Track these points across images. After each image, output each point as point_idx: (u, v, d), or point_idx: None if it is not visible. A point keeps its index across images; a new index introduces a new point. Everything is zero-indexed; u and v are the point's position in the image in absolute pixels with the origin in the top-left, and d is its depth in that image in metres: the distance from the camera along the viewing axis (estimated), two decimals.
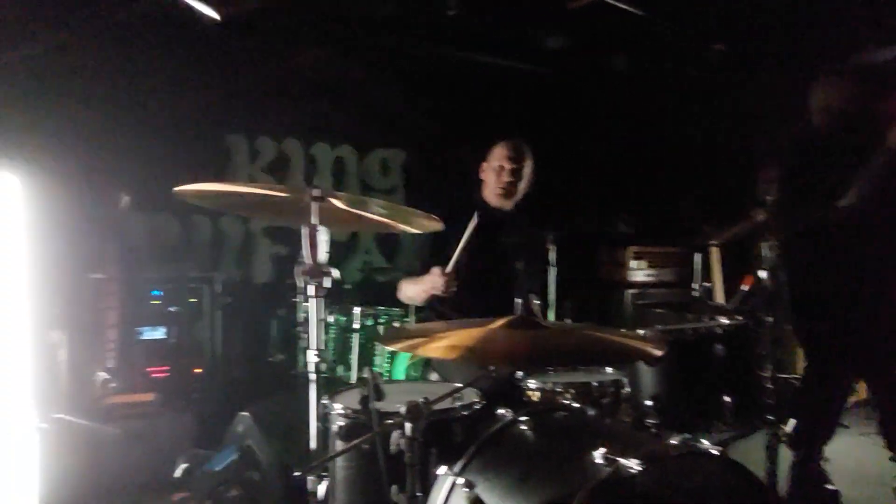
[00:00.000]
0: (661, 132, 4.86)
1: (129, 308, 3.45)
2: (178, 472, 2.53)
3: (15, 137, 2.52)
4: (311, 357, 1.70)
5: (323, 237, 1.67)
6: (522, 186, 2.77)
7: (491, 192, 2.75)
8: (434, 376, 2.69)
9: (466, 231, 2.33)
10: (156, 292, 3.62)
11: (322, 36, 4.36)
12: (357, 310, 3.76)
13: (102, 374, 3.25)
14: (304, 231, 1.68)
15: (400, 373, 3.57)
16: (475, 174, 2.85)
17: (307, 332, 4.09)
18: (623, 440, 1.47)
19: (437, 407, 1.64)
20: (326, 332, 3.86)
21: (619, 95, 4.99)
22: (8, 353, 2.49)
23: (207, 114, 4.14)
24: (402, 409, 1.55)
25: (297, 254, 4.16)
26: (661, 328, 2.33)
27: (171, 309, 3.66)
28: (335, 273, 1.70)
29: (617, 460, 1.32)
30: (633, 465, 1.29)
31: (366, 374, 1.78)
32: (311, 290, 1.68)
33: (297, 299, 4.02)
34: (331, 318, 3.89)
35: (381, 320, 3.88)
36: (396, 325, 3.84)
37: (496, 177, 2.73)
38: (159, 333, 3.62)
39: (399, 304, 3.54)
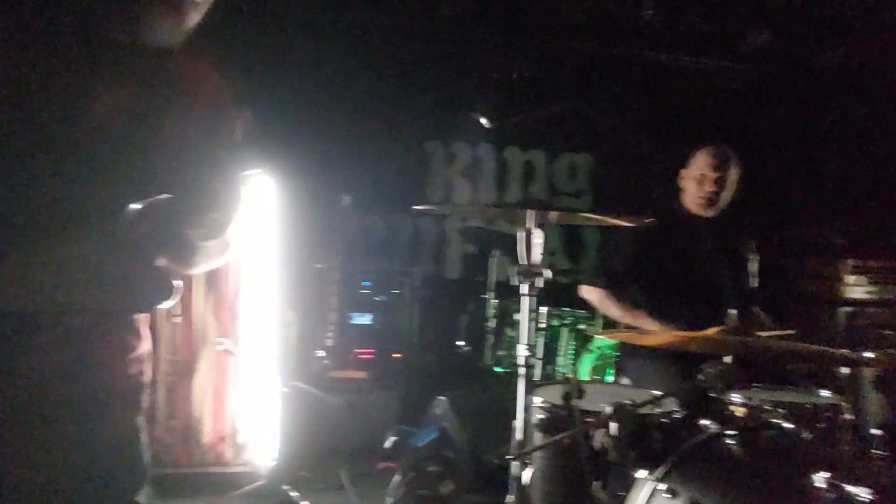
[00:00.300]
0: (881, 132, 4.29)
1: (344, 295, 3.92)
2: (387, 444, 2.85)
3: (272, 146, 3.01)
4: (521, 350, 1.83)
5: (537, 240, 1.79)
6: (726, 195, 2.66)
7: (691, 200, 2.68)
8: (626, 381, 2.70)
9: None
10: (365, 283, 4.06)
11: (515, 43, 4.53)
12: (543, 310, 3.88)
13: (320, 352, 3.74)
14: (521, 234, 1.80)
15: (583, 374, 3.62)
16: (673, 180, 2.79)
17: (492, 327, 4.27)
18: (848, 467, 1.40)
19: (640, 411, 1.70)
20: (513, 329, 4.06)
21: (830, 93, 4.50)
22: (262, 327, 3.01)
23: (409, 123, 4.54)
24: (608, 409, 1.63)
25: (487, 252, 4.35)
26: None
27: (377, 298, 4.08)
28: (548, 273, 1.81)
29: (843, 487, 1.26)
30: (864, 494, 1.23)
31: (570, 373, 1.88)
32: (524, 288, 1.81)
33: (487, 296, 4.24)
34: (517, 317, 4.05)
35: (567, 321, 3.96)
36: (581, 326, 3.90)
37: (698, 186, 2.64)
38: (367, 319, 4.05)
39: (584, 306, 3.58)
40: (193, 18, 1.10)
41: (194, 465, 2.83)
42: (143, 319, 1.14)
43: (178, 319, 2.86)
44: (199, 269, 1.18)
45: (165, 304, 1.07)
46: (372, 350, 3.99)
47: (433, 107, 4.58)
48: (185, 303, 2.86)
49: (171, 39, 1.07)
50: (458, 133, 4.73)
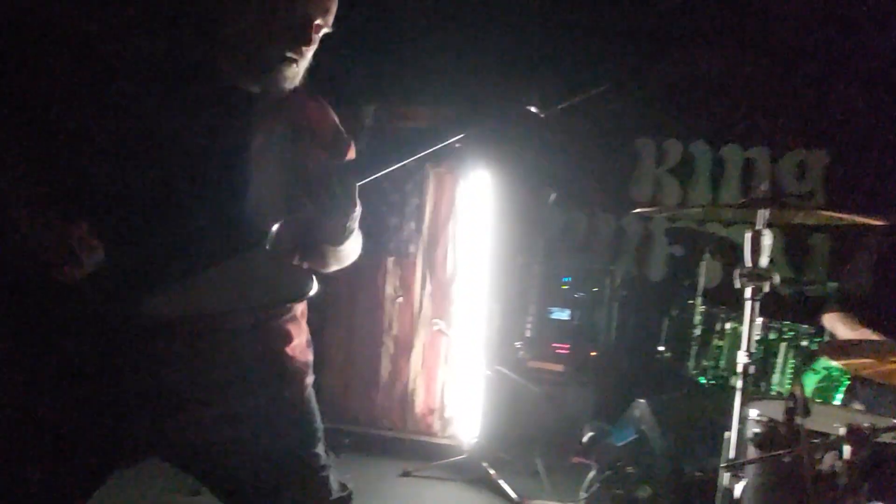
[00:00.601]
0: None
1: (544, 290, 4.02)
2: (585, 438, 2.89)
3: (489, 143, 3.22)
4: (741, 358, 1.77)
5: (766, 241, 1.70)
6: None
7: None
8: (857, 406, 2.43)
9: None
10: (565, 279, 4.12)
11: (732, 33, 4.22)
12: (760, 320, 3.59)
13: (518, 343, 3.89)
14: (748, 235, 1.73)
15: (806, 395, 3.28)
16: None
17: (697, 335, 4.06)
18: None
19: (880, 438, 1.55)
20: (721, 339, 3.82)
21: None
22: (468, 313, 3.24)
23: (618, 119, 4.46)
24: (842, 431, 1.51)
25: (693, 255, 4.13)
26: None
27: (576, 295, 4.11)
28: (776, 278, 1.72)
29: None
30: None
31: (794, 388, 1.76)
32: (747, 293, 1.74)
33: (693, 301, 4.04)
34: (728, 326, 3.81)
35: (786, 336, 3.62)
36: (804, 343, 3.53)
37: None
38: (565, 315, 4.10)
39: (807, 320, 3.26)
40: (303, 66, 1.26)
41: (408, 431, 3.16)
42: (301, 316, 1.40)
43: (400, 300, 3.20)
44: (332, 268, 1.38)
45: (307, 297, 1.25)
46: (568, 345, 4.04)
47: (644, 103, 4.46)
48: (407, 286, 3.20)
49: (290, 85, 1.26)
50: (670, 130, 4.55)
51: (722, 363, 3.87)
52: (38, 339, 1.16)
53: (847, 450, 1.51)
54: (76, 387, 1.18)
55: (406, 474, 3.00)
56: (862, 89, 4.10)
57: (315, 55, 1.27)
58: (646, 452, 2.85)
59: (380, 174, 1.18)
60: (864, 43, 4.04)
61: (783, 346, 3.61)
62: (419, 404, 3.18)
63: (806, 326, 3.51)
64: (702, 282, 3.86)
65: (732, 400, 2.05)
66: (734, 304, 3.89)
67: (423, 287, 3.20)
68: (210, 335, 1.24)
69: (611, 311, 4.18)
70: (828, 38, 4.06)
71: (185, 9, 1.24)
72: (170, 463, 1.34)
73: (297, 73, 1.24)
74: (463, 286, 3.25)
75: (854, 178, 4.26)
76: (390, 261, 3.22)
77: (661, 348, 4.24)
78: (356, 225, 1.28)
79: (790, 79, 4.27)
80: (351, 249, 1.34)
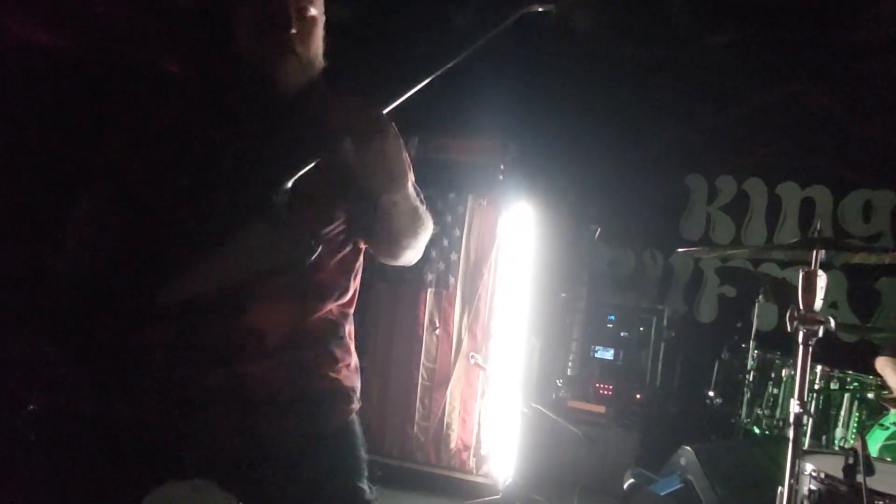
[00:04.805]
0: None
1: (588, 327, 3.91)
2: (625, 485, 2.75)
3: (533, 175, 3.19)
4: (793, 407, 1.65)
5: (821, 283, 1.60)
6: None
7: None
8: None
9: None
10: (611, 317, 4.00)
11: (795, 67, 4.09)
12: (819, 368, 3.38)
13: (559, 381, 3.78)
14: (802, 275, 1.63)
15: (872, 452, 3.04)
16: None
17: (750, 381, 3.84)
18: None
19: None
20: (776, 387, 3.60)
21: None
22: (507, 348, 3.17)
23: (668, 155, 4.37)
24: None
25: (748, 296, 3.96)
26: None
27: (622, 334, 3.98)
28: (831, 323, 1.60)
29: None
30: None
31: (854, 443, 1.63)
32: (800, 337, 1.63)
33: (746, 345, 3.84)
34: (784, 373, 3.59)
35: (850, 387, 3.38)
36: (870, 396, 3.30)
37: None
38: (609, 354, 3.97)
39: (873, 371, 3.05)
40: (308, 58, 1.26)
41: (441, 466, 3.08)
42: (349, 337, 1.37)
43: (438, 331, 3.16)
44: (406, 253, 1.33)
45: (307, 262, 1.20)
46: (612, 386, 3.90)
47: (696, 138, 4.36)
48: (445, 317, 3.16)
49: (302, 77, 1.25)
50: (723, 166, 4.42)
51: (777, 412, 3.65)
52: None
53: None
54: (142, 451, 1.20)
55: None
56: None
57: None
58: (692, 503, 2.68)
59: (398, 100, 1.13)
60: None
61: (846, 397, 3.38)
62: (454, 440, 3.10)
63: (872, 377, 3.29)
64: (755, 324, 3.68)
65: (809, 451, 1.91)
66: (790, 350, 3.71)
67: (461, 320, 3.16)
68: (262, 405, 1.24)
69: (657, 351, 4.02)
70: (891, 70, 3.90)
71: (204, 23, 1.29)
72: None
73: (300, 66, 1.25)
74: (503, 320, 3.19)
75: None
76: (429, 292, 3.20)
77: (710, 393, 4.05)
78: (411, 197, 1.23)
79: (854, 115, 4.10)
80: (417, 226, 1.29)
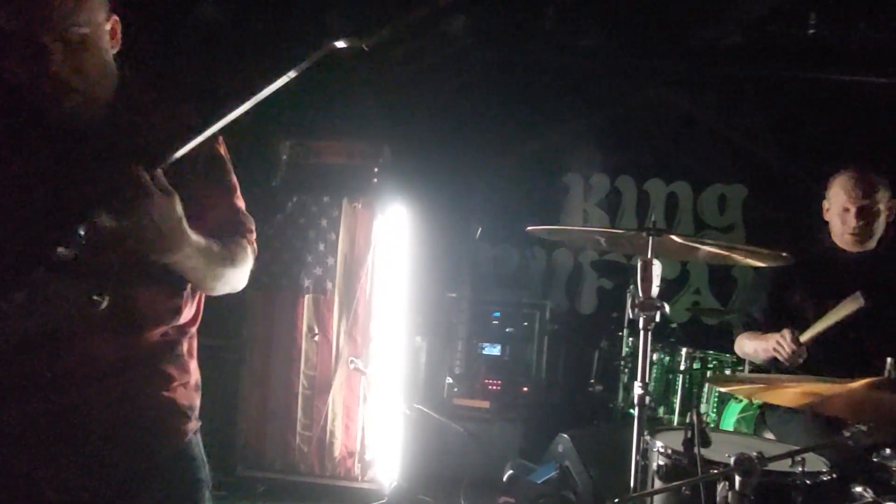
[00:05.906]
0: None
1: (474, 325, 3.97)
2: (505, 477, 2.82)
3: (408, 177, 3.20)
4: (636, 389, 1.74)
5: (656, 271, 1.70)
6: (881, 224, 2.30)
7: (838, 236, 2.37)
8: (769, 435, 2.44)
9: (843, 308, 2.06)
10: (496, 314, 4.09)
11: (658, 71, 4.38)
12: (683, 351, 3.63)
13: (449, 379, 3.81)
14: (639, 264, 1.72)
15: (728, 425, 3.31)
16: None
17: (629, 366, 4.07)
18: None
19: (773, 466, 1.53)
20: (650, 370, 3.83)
21: None
22: (388, 351, 3.15)
23: (547, 156, 4.55)
24: (732, 461, 1.49)
25: (623, 288, 4.18)
26: None
27: (508, 330, 4.08)
28: (665, 308, 1.71)
29: None
30: None
31: (691, 417, 1.74)
32: (640, 322, 1.72)
33: (622, 333, 4.06)
34: (654, 357, 3.83)
35: (710, 365, 3.66)
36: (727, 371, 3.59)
37: (841, 221, 2.28)
38: (496, 350, 4.06)
39: (731, 350, 3.31)
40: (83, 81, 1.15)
41: (326, 476, 3.01)
42: (189, 355, 1.32)
43: (317, 338, 3.09)
44: (219, 290, 1.30)
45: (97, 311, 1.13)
46: (500, 381, 3.99)
47: (572, 139, 4.56)
48: (324, 322, 3.09)
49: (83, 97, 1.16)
50: (596, 165, 4.65)
51: (652, 390, 3.89)
52: None
53: (738, 480, 1.48)
54: None
55: None
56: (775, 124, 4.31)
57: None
58: (567, 488, 2.79)
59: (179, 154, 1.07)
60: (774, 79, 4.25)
61: (708, 374, 3.65)
62: (338, 447, 3.04)
63: (729, 355, 3.57)
64: (628, 313, 3.89)
65: (660, 428, 2.03)
66: (662, 335, 3.97)
67: (340, 325, 3.10)
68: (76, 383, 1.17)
69: (542, 345, 4.16)
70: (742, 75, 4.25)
71: None
72: None
73: (80, 98, 1.15)
74: (382, 323, 3.17)
75: (770, 211, 4.43)
76: (307, 298, 3.12)
77: (591, 381, 4.24)
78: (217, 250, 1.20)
79: (710, 116, 4.44)
80: (217, 273, 1.25)
